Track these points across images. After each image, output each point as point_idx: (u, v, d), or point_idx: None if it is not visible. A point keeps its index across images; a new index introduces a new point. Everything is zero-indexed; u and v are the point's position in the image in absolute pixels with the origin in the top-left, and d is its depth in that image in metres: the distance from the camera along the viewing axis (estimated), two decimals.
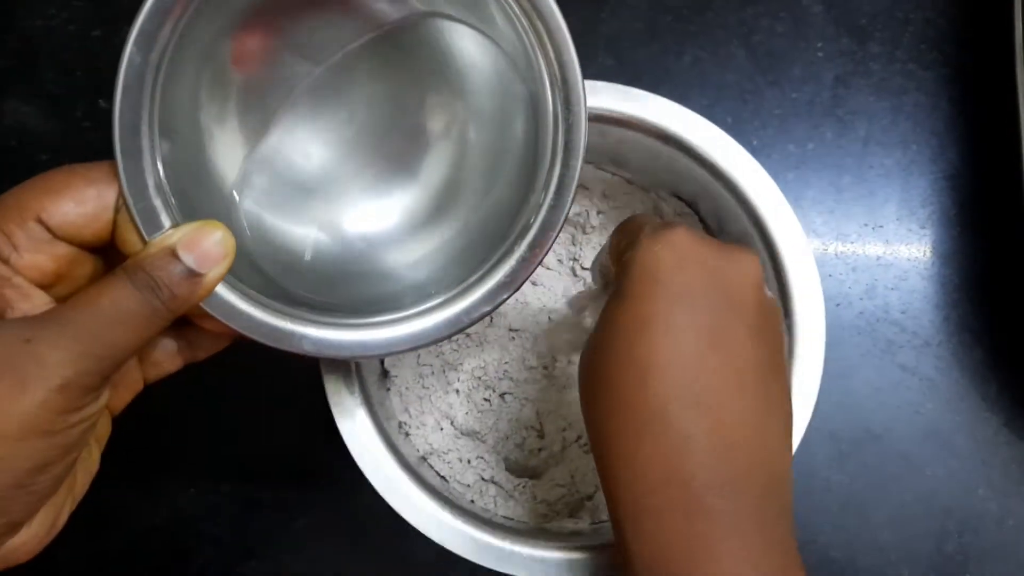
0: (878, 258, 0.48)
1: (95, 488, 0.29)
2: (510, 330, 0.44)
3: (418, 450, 0.43)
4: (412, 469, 0.38)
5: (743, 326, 0.29)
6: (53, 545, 0.27)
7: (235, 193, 0.31)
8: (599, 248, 0.44)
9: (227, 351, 0.31)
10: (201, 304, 0.28)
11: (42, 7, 0.50)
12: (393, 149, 0.34)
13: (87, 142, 0.49)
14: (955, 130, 0.49)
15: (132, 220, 0.27)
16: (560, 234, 0.31)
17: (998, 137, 0.48)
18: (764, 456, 0.28)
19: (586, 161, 0.31)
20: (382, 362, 0.44)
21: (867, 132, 0.49)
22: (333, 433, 0.37)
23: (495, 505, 0.42)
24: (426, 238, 0.34)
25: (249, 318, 0.29)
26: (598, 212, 0.45)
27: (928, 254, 0.48)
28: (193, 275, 0.26)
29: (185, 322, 0.29)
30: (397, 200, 0.34)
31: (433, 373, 0.44)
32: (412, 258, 0.33)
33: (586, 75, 0.30)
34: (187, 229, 0.27)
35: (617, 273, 0.31)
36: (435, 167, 0.34)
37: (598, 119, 0.38)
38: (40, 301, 0.26)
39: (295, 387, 0.45)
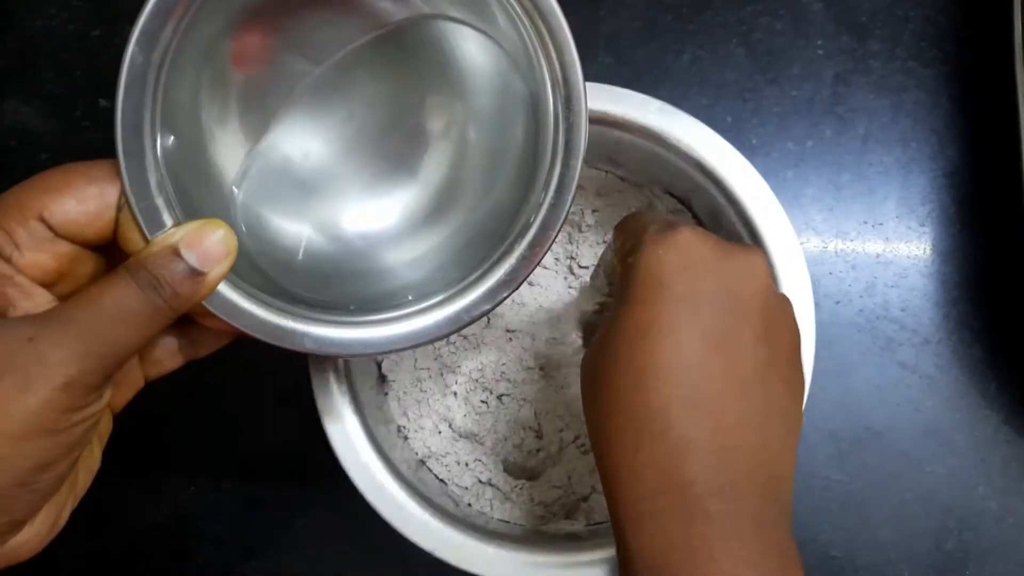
0: (878, 256, 0.48)
1: (96, 486, 0.29)
2: (507, 331, 0.44)
3: (417, 453, 0.43)
4: (403, 476, 0.38)
5: (747, 328, 0.29)
6: (54, 543, 0.27)
7: (235, 191, 0.31)
8: (595, 246, 0.45)
9: (228, 349, 0.32)
10: (203, 302, 0.28)
11: (42, 7, 0.50)
12: (393, 148, 0.34)
13: (87, 142, 0.49)
14: (955, 128, 0.49)
15: (134, 219, 0.27)
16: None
17: (998, 135, 0.48)
18: (764, 458, 0.28)
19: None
20: (379, 367, 0.44)
21: (867, 130, 0.49)
22: None
23: (491, 508, 0.42)
24: (426, 237, 0.34)
25: (250, 316, 0.29)
26: (593, 211, 0.45)
27: (928, 252, 0.48)
28: (195, 274, 0.26)
29: (186, 320, 0.29)
30: (397, 199, 0.34)
31: (431, 376, 0.44)
32: (412, 256, 0.33)
33: (585, 74, 0.30)
34: (189, 228, 0.27)
35: (621, 275, 0.31)
36: (435, 167, 0.34)
37: (590, 121, 0.38)
38: (42, 300, 0.26)
39: (296, 385, 0.45)
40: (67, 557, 0.47)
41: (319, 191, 0.33)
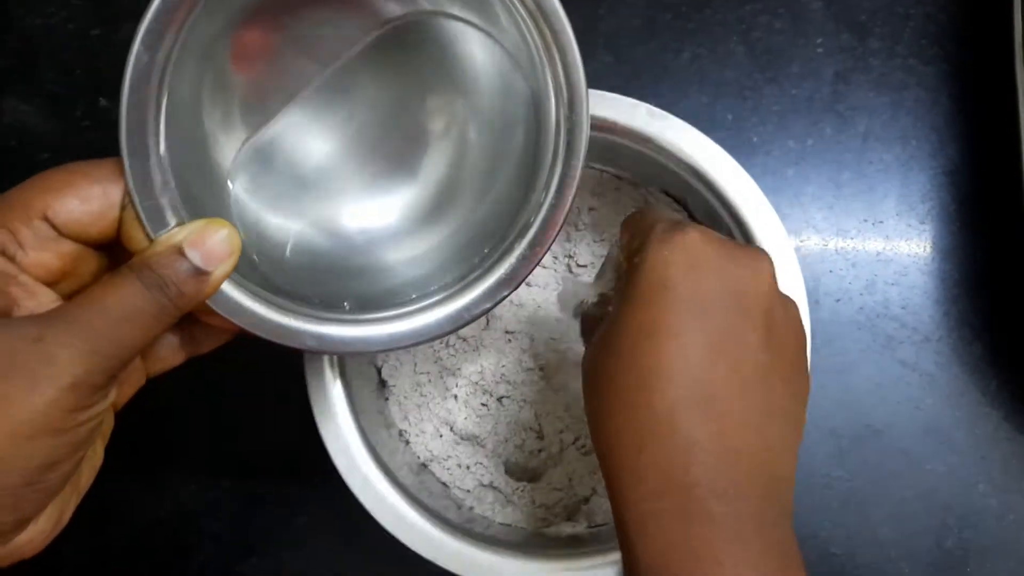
0: (878, 254, 0.48)
1: (98, 482, 0.29)
2: (506, 332, 0.44)
3: (419, 457, 0.43)
4: (403, 483, 0.38)
5: (751, 331, 0.29)
6: (57, 539, 0.27)
7: (236, 190, 0.31)
8: (592, 245, 0.45)
9: (229, 347, 0.32)
10: (206, 301, 0.28)
11: (41, 6, 0.50)
12: (393, 147, 0.34)
13: (87, 141, 0.50)
14: (955, 126, 0.49)
15: (138, 218, 0.27)
16: None
17: (998, 133, 0.48)
18: (766, 459, 0.28)
19: None
20: (379, 372, 0.44)
21: (867, 128, 0.49)
22: None
23: (493, 512, 0.42)
24: (426, 235, 0.34)
25: (252, 314, 0.29)
26: (590, 209, 0.45)
27: (928, 250, 0.48)
28: (200, 273, 0.26)
29: (188, 317, 0.29)
30: (397, 197, 0.34)
31: (431, 380, 0.44)
32: (412, 255, 0.33)
33: (585, 74, 0.30)
34: (193, 227, 0.27)
35: (626, 273, 0.31)
36: (435, 166, 0.34)
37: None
38: (46, 299, 0.26)
39: (297, 383, 0.45)
40: (70, 553, 0.47)
41: (319, 188, 0.33)
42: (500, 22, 0.31)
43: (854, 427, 0.47)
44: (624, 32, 0.50)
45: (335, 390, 0.37)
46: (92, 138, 0.49)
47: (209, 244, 0.27)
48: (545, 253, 0.31)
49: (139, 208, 0.27)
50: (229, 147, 0.31)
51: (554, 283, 0.45)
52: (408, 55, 0.32)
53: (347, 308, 0.31)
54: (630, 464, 0.28)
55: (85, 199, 0.26)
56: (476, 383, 0.44)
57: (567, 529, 0.41)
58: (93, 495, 0.28)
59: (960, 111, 0.49)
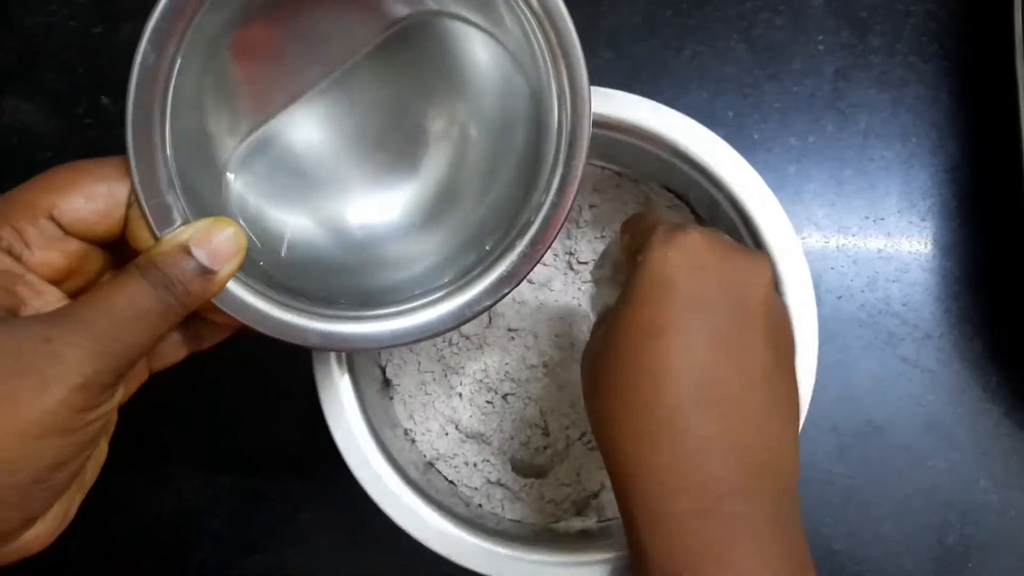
0: (879, 251, 0.48)
1: (101, 477, 0.29)
2: (509, 330, 0.44)
3: (425, 456, 0.43)
4: (413, 480, 0.38)
5: (755, 331, 0.29)
6: (61, 535, 0.27)
7: (236, 184, 0.31)
8: (593, 242, 0.45)
9: (231, 344, 0.32)
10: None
11: (42, 4, 0.50)
12: (395, 145, 0.34)
13: (89, 140, 0.50)
14: (955, 123, 0.49)
15: (144, 216, 0.27)
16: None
17: (998, 130, 0.48)
18: (774, 458, 0.28)
19: None
20: (383, 371, 0.44)
21: (868, 125, 0.49)
22: None
23: (503, 508, 0.42)
24: (428, 232, 0.34)
25: (256, 312, 0.29)
26: (590, 206, 0.45)
27: (929, 246, 0.48)
28: (206, 272, 0.26)
29: (191, 314, 0.29)
30: (399, 193, 0.34)
31: (435, 379, 0.44)
32: (414, 251, 0.33)
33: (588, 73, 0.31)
34: (199, 226, 0.27)
35: (628, 273, 0.31)
36: (436, 163, 0.34)
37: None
38: (52, 297, 0.26)
39: (299, 380, 0.45)
40: (73, 549, 0.47)
41: (320, 185, 0.33)
42: (504, 23, 0.31)
43: (855, 423, 0.47)
44: (625, 29, 0.50)
45: (344, 386, 0.38)
46: (94, 136, 0.49)
47: (215, 243, 0.27)
48: (546, 251, 0.32)
49: (145, 207, 0.27)
50: (232, 145, 0.31)
51: (556, 280, 0.45)
52: (410, 54, 0.32)
53: (354, 304, 0.31)
54: (644, 463, 0.28)
55: (91, 198, 0.26)
56: (481, 381, 0.44)
57: (577, 524, 0.41)
58: (96, 491, 0.28)
59: (960, 108, 0.49)
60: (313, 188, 0.33)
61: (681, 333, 0.28)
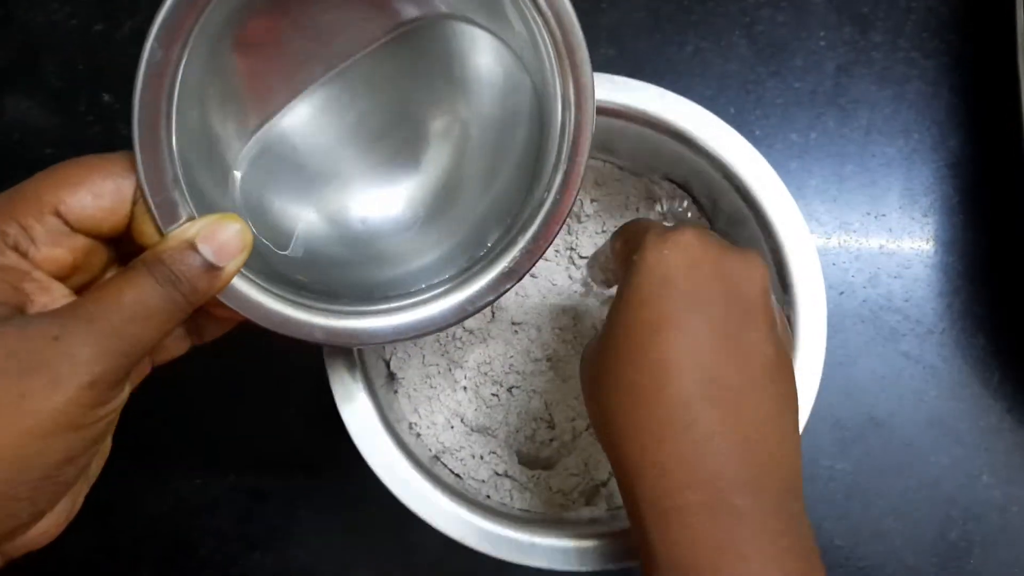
0: (881, 247, 0.48)
1: (104, 476, 0.29)
2: (512, 323, 0.44)
3: (430, 450, 0.43)
4: (424, 467, 0.38)
5: (755, 327, 0.29)
6: (63, 534, 0.27)
7: (239, 179, 0.31)
8: (594, 236, 0.45)
9: (235, 341, 0.32)
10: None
11: (44, 2, 0.50)
12: (397, 139, 0.34)
13: (90, 136, 0.50)
14: (957, 118, 0.49)
15: (150, 213, 0.27)
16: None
17: (1000, 125, 0.48)
18: (781, 452, 0.28)
19: None
20: (387, 365, 0.44)
21: (869, 121, 0.49)
22: (338, 424, 0.38)
23: (511, 499, 0.42)
24: (430, 227, 0.34)
25: (260, 307, 0.29)
26: (591, 200, 0.45)
27: (931, 242, 0.48)
28: (212, 268, 0.26)
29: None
30: (401, 188, 0.34)
31: (440, 372, 0.44)
32: (416, 246, 0.34)
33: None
34: (205, 222, 0.27)
35: (624, 273, 0.31)
36: (439, 158, 0.34)
37: None
38: (59, 294, 0.26)
39: (301, 378, 0.45)
40: (75, 548, 0.47)
41: (323, 180, 0.33)
42: (510, 22, 0.31)
43: (858, 419, 0.47)
44: (627, 25, 0.50)
45: (355, 376, 0.38)
46: (95, 133, 0.49)
47: (221, 239, 0.27)
48: (548, 247, 0.32)
49: (151, 203, 0.27)
50: (236, 141, 0.31)
51: (558, 275, 0.45)
52: (413, 50, 0.32)
53: (350, 299, 0.31)
54: (650, 458, 0.28)
55: (98, 194, 0.26)
56: (485, 374, 0.44)
57: (587, 513, 0.41)
58: (99, 489, 0.28)
59: (962, 104, 0.49)
60: (316, 183, 0.33)
61: (681, 329, 0.28)
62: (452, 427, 0.44)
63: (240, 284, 0.28)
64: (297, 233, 0.32)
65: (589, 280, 0.44)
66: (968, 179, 0.48)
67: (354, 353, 0.38)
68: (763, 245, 0.38)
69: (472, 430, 0.44)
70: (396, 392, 0.44)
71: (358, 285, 0.32)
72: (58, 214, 0.26)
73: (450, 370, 0.44)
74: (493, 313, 0.44)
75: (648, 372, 0.28)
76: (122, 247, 0.28)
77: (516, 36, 0.31)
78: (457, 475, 0.43)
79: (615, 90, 0.38)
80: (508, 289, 0.32)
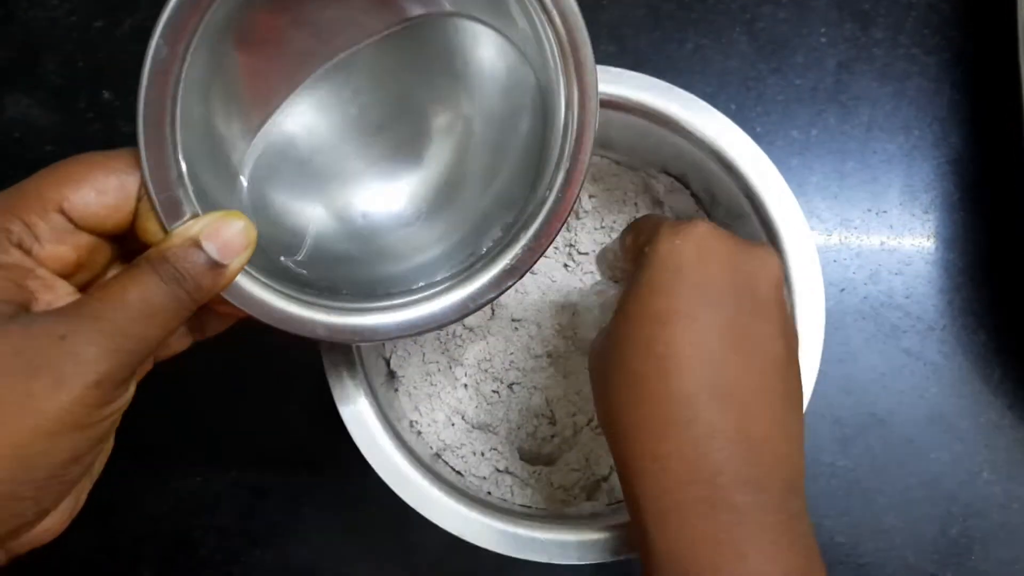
0: (882, 243, 0.48)
1: (105, 474, 0.29)
2: (512, 320, 0.44)
3: (431, 447, 0.43)
4: (425, 465, 0.38)
5: (765, 322, 0.29)
6: (64, 532, 0.27)
7: (242, 176, 0.31)
8: (593, 232, 0.45)
9: (236, 338, 0.32)
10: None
11: None
12: (399, 133, 0.34)
13: (90, 134, 0.49)
14: (958, 115, 0.49)
15: (154, 210, 0.27)
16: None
17: (1001, 122, 0.48)
18: (785, 451, 0.28)
19: None
20: (387, 363, 0.44)
21: (870, 118, 0.49)
22: (340, 422, 0.38)
23: (512, 495, 0.42)
24: (432, 223, 0.34)
25: (262, 304, 0.29)
26: (590, 196, 0.45)
27: (932, 239, 0.48)
28: (216, 266, 0.26)
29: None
30: (404, 184, 0.34)
31: (440, 370, 0.44)
32: (418, 242, 0.34)
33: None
34: (209, 219, 0.27)
35: (636, 265, 0.31)
36: (441, 154, 0.34)
37: None
38: (63, 291, 0.26)
39: (303, 375, 0.45)
40: (76, 545, 0.47)
41: (326, 176, 0.33)
42: (514, 21, 0.31)
43: (858, 416, 0.47)
44: (627, 22, 0.50)
45: (354, 379, 0.38)
46: (95, 130, 0.49)
47: (225, 236, 0.27)
48: (550, 244, 0.32)
49: (155, 201, 0.27)
50: (240, 141, 0.31)
51: (557, 271, 0.45)
52: (415, 44, 0.32)
53: (351, 295, 0.31)
54: (650, 453, 0.28)
55: (102, 191, 0.26)
56: (485, 371, 0.44)
57: (588, 508, 0.41)
58: (100, 487, 0.29)
59: (963, 100, 0.49)
60: (317, 177, 0.33)
61: (690, 323, 0.28)
62: (453, 424, 0.44)
63: (242, 280, 0.28)
64: (300, 228, 0.32)
65: (597, 275, 0.44)
66: (969, 175, 0.48)
67: (353, 352, 0.38)
68: (763, 240, 0.38)
69: (473, 427, 0.44)
70: (396, 390, 0.44)
71: (360, 281, 0.32)
72: (62, 211, 0.26)
73: (450, 367, 0.44)
74: (493, 310, 0.44)
75: (654, 365, 0.28)
76: (125, 244, 0.28)
77: (519, 32, 0.31)
78: (458, 472, 0.43)
79: (611, 82, 0.38)
80: (510, 286, 0.32)
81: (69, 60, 0.50)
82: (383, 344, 0.44)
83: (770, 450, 0.28)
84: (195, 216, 0.27)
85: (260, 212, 0.31)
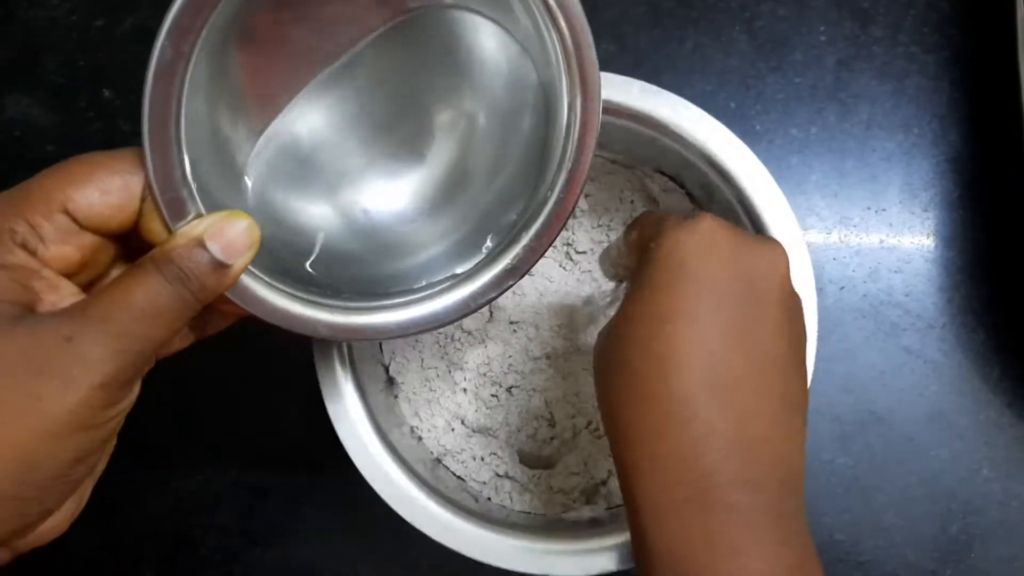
0: (881, 241, 0.48)
1: (105, 473, 0.29)
2: (510, 323, 0.44)
3: (432, 453, 0.43)
4: (422, 474, 0.38)
5: (768, 320, 0.29)
6: (65, 532, 0.27)
7: (246, 176, 0.31)
8: (590, 231, 0.45)
9: (237, 337, 0.32)
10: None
11: None
12: (401, 130, 0.34)
13: (90, 133, 0.49)
14: (957, 113, 0.49)
15: (158, 210, 0.27)
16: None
17: (1000, 119, 0.48)
18: (784, 451, 0.28)
19: None
20: (387, 370, 0.44)
21: (869, 116, 0.49)
22: None
23: (511, 501, 0.42)
24: (434, 221, 0.34)
25: (264, 303, 0.29)
26: (585, 195, 0.45)
27: (931, 237, 0.48)
28: (220, 266, 0.26)
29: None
30: (406, 181, 0.34)
31: (439, 375, 0.44)
32: (419, 239, 0.34)
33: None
34: (213, 219, 0.27)
35: (640, 261, 0.31)
36: (443, 150, 0.34)
37: None
38: (67, 291, 0.26)
39: (303, 375, 0.45)
40: (77, 545, 0.47)
41: (327, 172, 0.33)
42: (516, 18, 0.31)
43: (858, 414, 0.47)
44: (627, 20, 0.50)
45: (347, 384, 0.38)
46: (96, 129, 0.49)
47: (229, 236, 0.27)
48: (551, 244, 0.32)
49: (160, 200, 0.27)
50: (245, 143, 0.31)
51: (555, 272, 0.45)
52: (417, 40, 0.32)
53: (352, 294, 0.31)
54: (648, 452, 0.28)
55: (106, 191, 0.26)
56: (484, 375, 0.44)
57: (587, 513, 0.41)
58: (101, 487, 0.29)
59: (962, 98, 0.49)
60: (321, 176, 0.33)
61: (691, 321, 0.28)
62: (453, 429, 0.44)
63: (245, 279, 0.28)
64: (302, 226, 0.32)
65: (600, 274, 0.44)
66: (968, 174, 0.48)
67: (346, 361, 0.38)
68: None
69: (473, 431, 0.44)
70: (396, 397, 0.44)
71: (362, 280, 0.32)
72: (66, 212, 0.26)
73: (449, 372, 0.44)
74: (491, 313, 0.44)
75: (652, 363, 0.28)
76: (129, 243, 0.28)
77: (521, 29, 0.31)
78: (459, 477, 0.43)
79: (604, 85, 0.38)
80: (511, 286, 0.32)
81: (69, 59, 0.50)
82: (381, 349, 0.44)
83: (769, 450, 0.27)
84: (199, 216, 0.27)
85: (264, 212, 0.31)
